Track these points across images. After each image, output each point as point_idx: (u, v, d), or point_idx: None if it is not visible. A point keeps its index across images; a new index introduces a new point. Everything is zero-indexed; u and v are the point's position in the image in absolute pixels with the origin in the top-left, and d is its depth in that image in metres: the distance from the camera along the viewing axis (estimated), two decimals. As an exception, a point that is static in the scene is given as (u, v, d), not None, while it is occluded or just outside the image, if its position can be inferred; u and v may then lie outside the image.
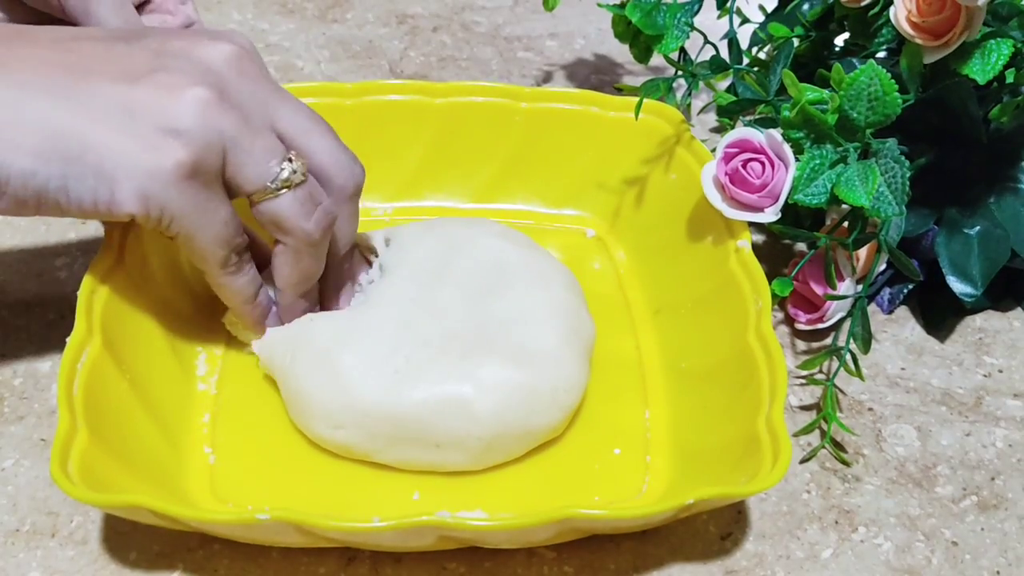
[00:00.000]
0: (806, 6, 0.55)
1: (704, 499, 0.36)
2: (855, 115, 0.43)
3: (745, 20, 0.58)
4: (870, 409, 0.47)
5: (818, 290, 0.48)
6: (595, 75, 0.67)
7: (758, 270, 0.44)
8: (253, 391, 0.45)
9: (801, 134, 0.45)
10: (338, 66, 0.67)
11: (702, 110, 0.60)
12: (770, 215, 0.45)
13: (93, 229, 0.53)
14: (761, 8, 0.61)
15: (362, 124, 0.53)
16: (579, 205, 0.54)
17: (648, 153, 0.52)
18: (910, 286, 0.51)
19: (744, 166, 0.45)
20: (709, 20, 0.54)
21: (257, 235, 0.46)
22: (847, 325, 0.46)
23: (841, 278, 0.47)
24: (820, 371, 0.48)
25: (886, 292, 0.51)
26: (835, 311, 0.47)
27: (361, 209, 0.54)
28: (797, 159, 0.45)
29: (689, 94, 0.52)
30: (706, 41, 0.53)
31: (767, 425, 0.38)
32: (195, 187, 0.38)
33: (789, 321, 0.50)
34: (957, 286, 0.48)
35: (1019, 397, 0.47)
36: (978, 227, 0.49)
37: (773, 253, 0.53)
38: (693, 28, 0.50)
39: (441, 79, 0.66)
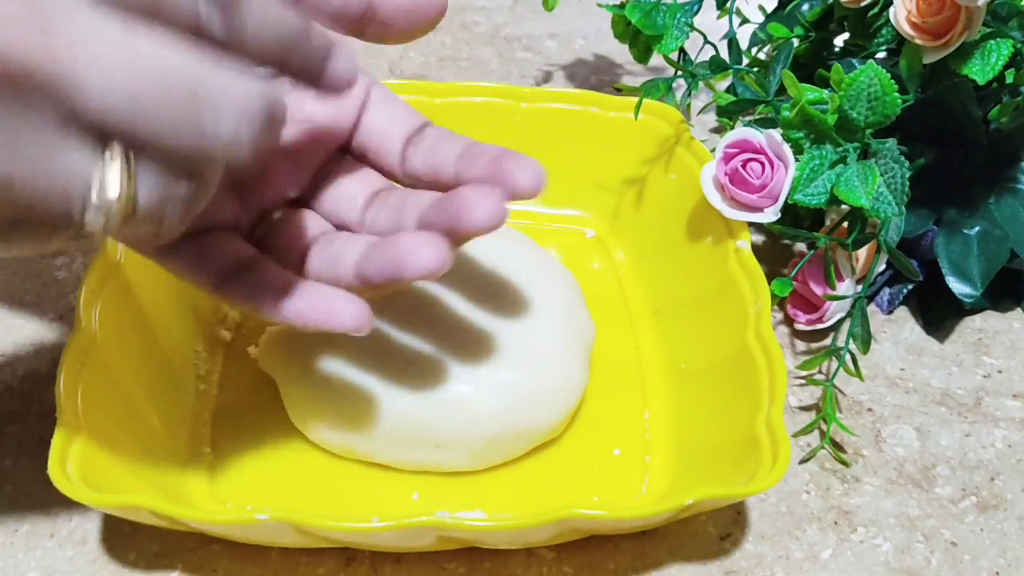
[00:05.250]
0: (806, 6, 0.55)
1: (703, 499, 0.36)
2: (855, 115, 0.43)
3: (745, 20, 0.58)
4: (869, 410, 0.47)
5: (818, 290, 0.48)
6: (595, 75, 0.67)
7: (758, 270, 0.44)
8: (253, 391, 0.45)
9: (801, 134, 0.45)
10: (338, 66, 0.67)
11: (702, 110, 0.60)
12: (770, 215, 0.45)
13: (93, 229, 0.53)
14: (761, 8, 0.61)
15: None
16: (579, 205, 0.54)
17: (648, 153, 0.52)
18: (910, 286, 0.51)
19: (744, 166, 0.45)
20: (709, 20, 0.54)
21: None
22: (846, 325, 0.46)
23: (840, 278, 0.47)
24: (819, 371, 0.48)
25: (885, 292, 0.51)
26: (834, 311, 0.47)
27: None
28: (797, 159, 0.45)
29: (689, 94, 0.52)
30: (706, 41, 0.53)
31: (766, 425, 0.38)
32: None
33: (789, 321, 0.50)
34: (956, 287, 0.48)
35: (1018, 398, 0.47)
36: (977, 228, 0.49)
37: (773, 253, 0.53)
38: (693, 28, 0.50)
39: (441, 79, 0.65)
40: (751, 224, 0.47)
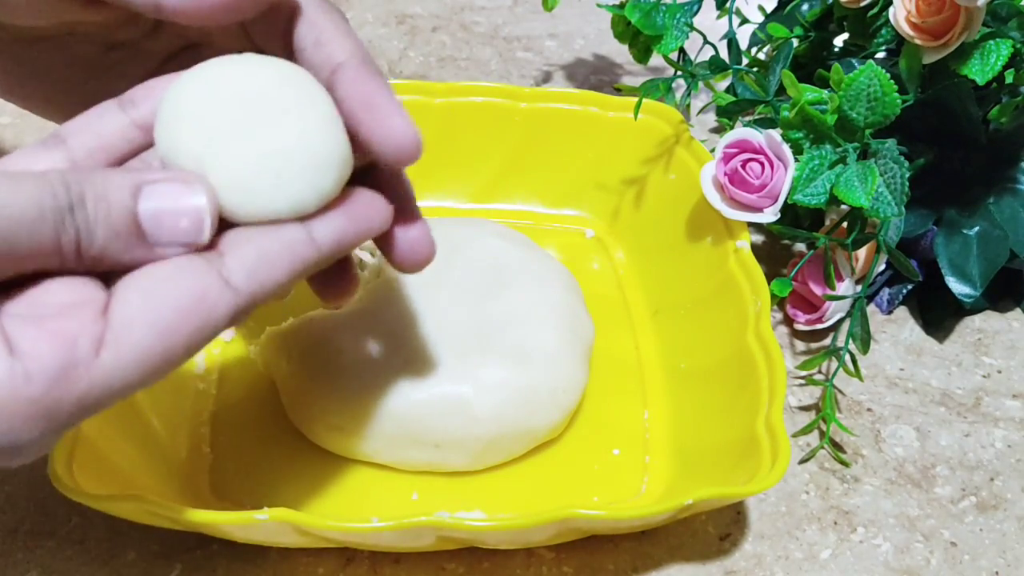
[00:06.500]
0: (805, 6, 0.55)
1: (703, 499, 0.36)
2: (854, 115, 0.43)
3: (744, 20, 0.58)
4: (869, 410, 0.47)
5: (817, 290, 0.48)
6: (595, 75, 0.67)
7: (757, 270, 0.44)
8: (253, 391, 0.45)
9: (800, 134, 0.45)
10: (338, 66, 0.67)
11: (701, 110, 0.60)
12: (769, 215, 0.45)
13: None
14: (760, 8, 0.61)
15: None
16: (578, 205, 0.54)
17: (647, 153, 0.52)
18: (909, 287, 0.51)
19: (743, 166, 0.45)
20: (708, 20, 0.54)
21: None
22: (846, 325, 0.46)
23: (840, 278, 0.47)
24: (819, 371, 0.48)
25: (885, 292, 0.51)
26: (834, 311, 0.47)
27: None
28: (796, 159, 0.45)
29: (688, 94, 0.52)
30: (705, 41, 0.53)
31: (766, 425, 0.38)
32: None
33: (788, 321, 0.50)
34: (956, 287, 0.48)
35: (1018, 398, 0.48)
36: (977, 228, 0.49)
37: (772, 253, 0.53)
38: (692, 28, 0.50)
39: (440, 79, 0.66)
40: (751, 224, 0.47)
